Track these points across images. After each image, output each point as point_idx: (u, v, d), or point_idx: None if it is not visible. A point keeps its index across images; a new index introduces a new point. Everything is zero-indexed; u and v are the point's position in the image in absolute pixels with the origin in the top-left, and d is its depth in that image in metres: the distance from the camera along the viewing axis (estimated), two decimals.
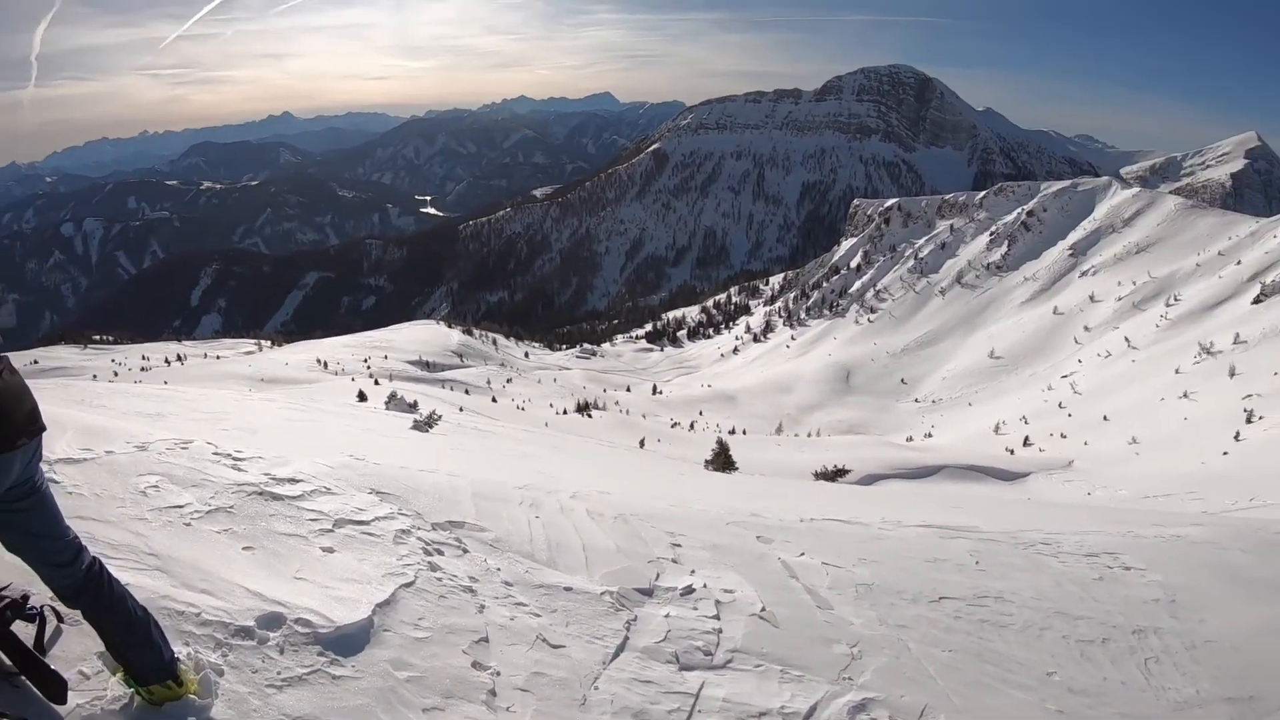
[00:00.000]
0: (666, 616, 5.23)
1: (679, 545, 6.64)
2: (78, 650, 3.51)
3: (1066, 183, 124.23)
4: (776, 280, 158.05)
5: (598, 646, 4.71)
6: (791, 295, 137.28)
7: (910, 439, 61.46)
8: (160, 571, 4.21)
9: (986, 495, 29.26)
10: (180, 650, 3.53)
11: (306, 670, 3.75)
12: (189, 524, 4.87)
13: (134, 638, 3.30)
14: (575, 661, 4.50)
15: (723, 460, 25.39)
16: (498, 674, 4.18)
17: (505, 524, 6.31)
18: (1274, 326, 53.32)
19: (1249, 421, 38.66)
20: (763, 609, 5.59)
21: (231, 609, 3.98)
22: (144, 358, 77.95)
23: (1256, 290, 62.95)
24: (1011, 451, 47.47)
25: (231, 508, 5.22)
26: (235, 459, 6.26)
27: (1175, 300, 74.29)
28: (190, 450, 6.26)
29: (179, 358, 78.91)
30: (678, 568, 6.13)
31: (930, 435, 65.22)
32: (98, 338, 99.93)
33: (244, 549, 4.74)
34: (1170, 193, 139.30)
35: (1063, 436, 50.10)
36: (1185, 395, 48.37)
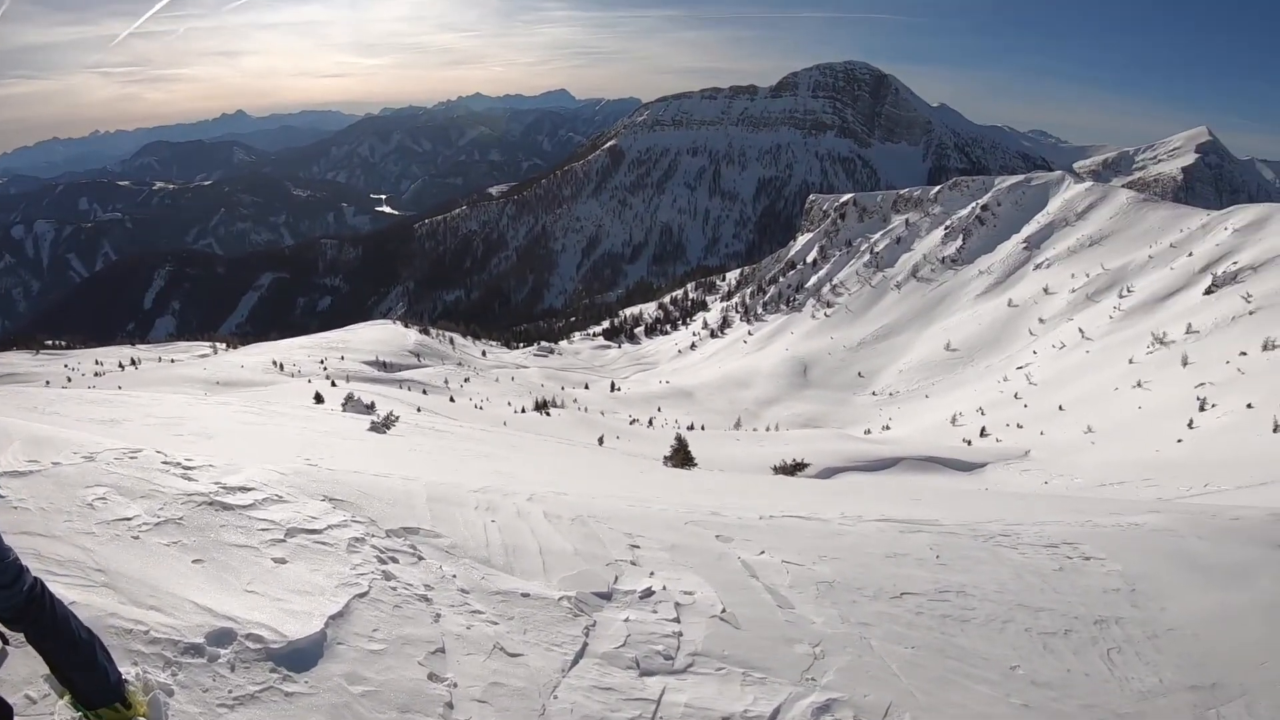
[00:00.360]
0: (626, 621, 5.19)
1: (637, 547, 6.59)
2: (23, 673, 3.43)
3: (1020, 177, 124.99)
4: (733, 276, 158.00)
5: (556, 654, 4.66)
6: (748, 291, 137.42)
7: (868, 431, 61.85)
8: (108, 588, 4.13)
9: (945, 486, 29.45)
10: (128, 671, 3.47)
11: (259, 688, 3.69)
12: (137, 537, 4.79)
13: (79, 660, 3.23)
14: (534, 670, 4.45)
15: (682, 456, 25.44)
16: (455, 685, 4.13)
17: (461, 529, 6.24)
18: (1225, 317, 54.05)
19: (1202, 409, 39.17)
20: (723, 610, 5.55)
21: (181, 626, 3.92)
22: (97, 362, 76.81)
23: (1208, 281, 63.74)
24: (969, 442, 47.83)
25: (181, 519, 5.13)
26: (185, 468, 6.16)
27: (1128, 292, 75.05)
28: (139, 459, 6.16)
29: (133, 362, 77.78)
30: (637, 570, 6.08)
31: (888, 427, 65.56)
32: (50, 342, 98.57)
33: (194, 562, 4.66)
34: (1122, 186, 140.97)
35: (1019, 427, 50.50)
36: (1139, 384, 48.93)
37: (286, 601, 4.42)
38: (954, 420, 59.13)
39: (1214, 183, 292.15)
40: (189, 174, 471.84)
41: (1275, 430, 32.36)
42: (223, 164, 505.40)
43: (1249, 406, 36.75)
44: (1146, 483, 27.67)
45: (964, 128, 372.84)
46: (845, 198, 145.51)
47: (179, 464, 6.22)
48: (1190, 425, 37.22)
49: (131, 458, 6.17)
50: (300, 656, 3.96)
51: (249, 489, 5.91)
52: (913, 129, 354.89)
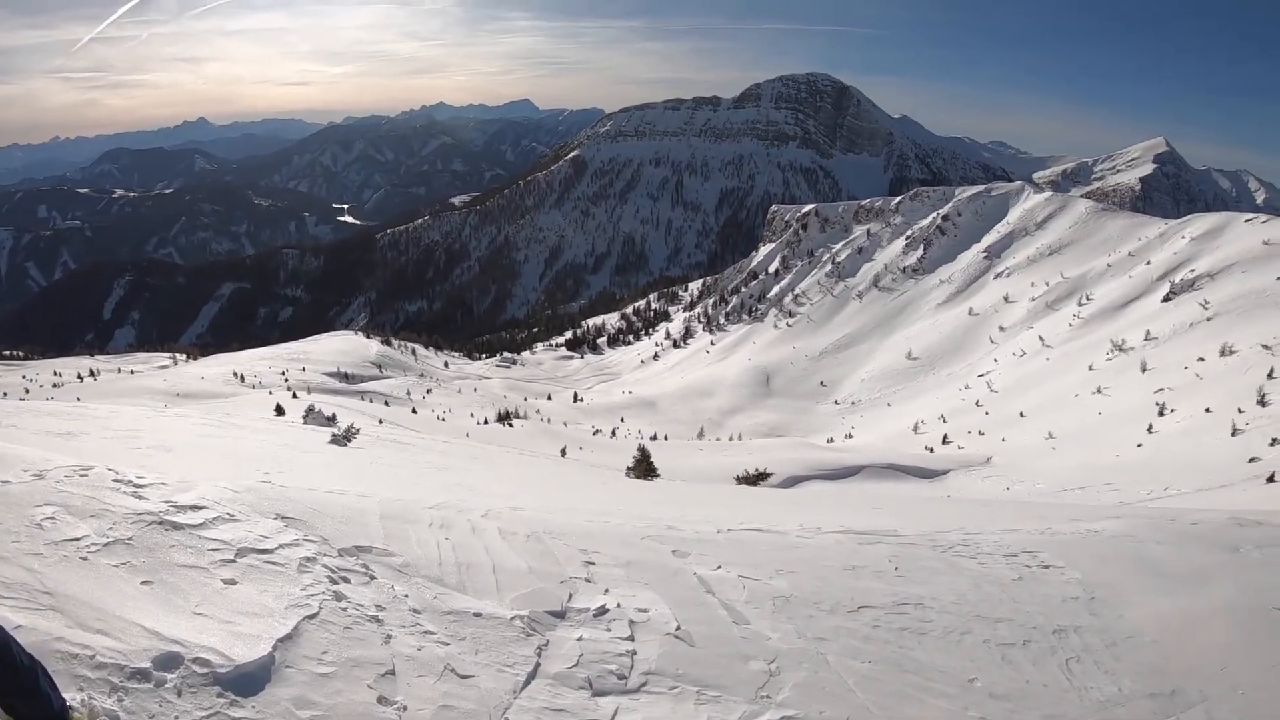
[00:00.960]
0: (579, 640, 5.15)
1: (592, 563, 6.54)
2: None
3: (980, 187, 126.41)
4: (695, 286, 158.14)
5: (508, 674, 4.62)
6: (710, 301, 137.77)
7: (831, 440, 62.05)
8: (54, 611, 4.07)
9: (907, 494, 29.66)
10: (73, 697, 3.43)
11: (205, 713, 3.64)
12: (85, 558, 4.72)
13: (20, 686, 3.19)
14: (484, 691, 4.40)
15: (644, 467, 25.37)
16: (404, 708, 4.08)
17: (414, 547, 6.19)
18: (1184, 323, 54.71)
19: (1161, 414, 39.64)
20: (678, 627, 5.52)
21: (127, 650, 3.86)
22: (56, 374, 75.96)
23: (1166, 289, 64.55)
24: (931, 450, 48.10)
25: (130, 539, 5.06)
26: (136, 486, 6.09)
27: (1087, 300, 75.83)
28: (90, 477, 6.08)
29: (92, 373, 76.89)
30: (591, 587, 6.04)
31: (850, 436, 65.81)
32: (8, 353, 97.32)
33: (142, 583, 4.59)
34: (1081, 196, 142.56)
35: (980, 434, 50.84)
36: (1099, 391, 49.45)
37: (235, 624, 4.36)
38: (916, 428, 59.50)
39: (1171, 192, 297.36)
40: (149, 182, 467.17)
41: (1234, 434, 32.79)
42: (184, 172, 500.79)
43: (1207, 411, 37.23)
44: (1107, 487, 28.00)
45: (925, 139, 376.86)
46: (807, 208, 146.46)
47: (130, 482, 6.15)
48: (1150, 430, 37.67)
49: (82, 475, 6.09)
50: (248, 681, 3.91)
51: (200, 507, 5.83)
52: (874, 140, 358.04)
